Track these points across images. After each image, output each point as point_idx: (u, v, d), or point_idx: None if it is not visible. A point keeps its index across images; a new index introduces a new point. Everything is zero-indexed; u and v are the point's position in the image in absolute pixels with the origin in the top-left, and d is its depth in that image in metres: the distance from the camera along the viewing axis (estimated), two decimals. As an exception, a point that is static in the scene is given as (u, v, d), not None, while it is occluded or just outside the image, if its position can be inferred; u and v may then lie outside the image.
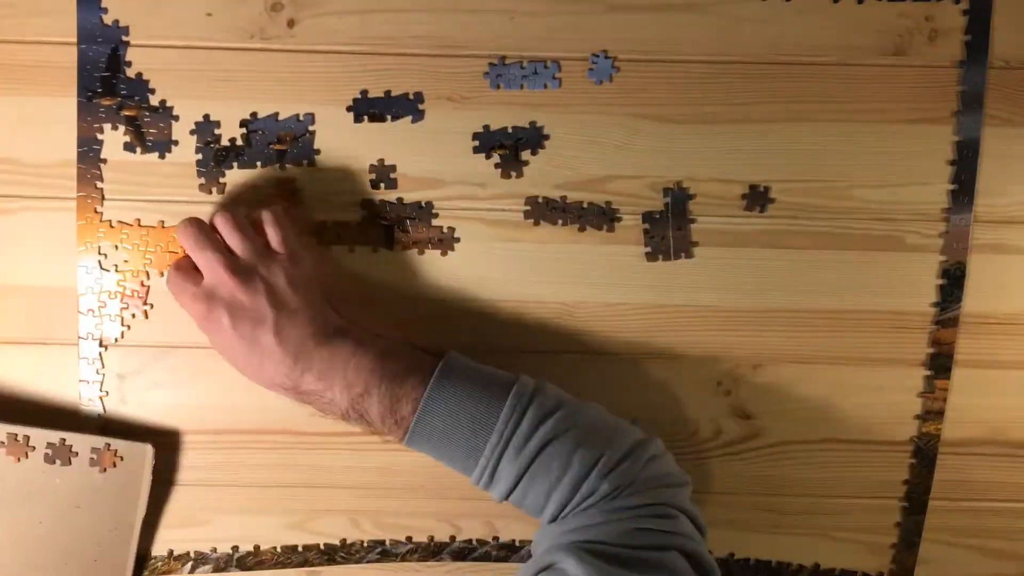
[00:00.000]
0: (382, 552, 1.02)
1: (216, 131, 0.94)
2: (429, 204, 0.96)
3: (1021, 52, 0.95)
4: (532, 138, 0.95)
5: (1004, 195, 0.97)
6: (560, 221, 0.96)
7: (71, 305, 0.95)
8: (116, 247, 0.95)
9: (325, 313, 0.86)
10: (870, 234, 0.97)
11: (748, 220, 0.97)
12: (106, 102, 0.93)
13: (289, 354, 0.82)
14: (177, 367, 0.97)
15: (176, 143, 0.94)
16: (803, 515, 1.02)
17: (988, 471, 1.01)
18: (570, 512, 0.81)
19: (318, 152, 0.95)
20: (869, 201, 0.96)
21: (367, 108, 0.94)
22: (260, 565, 1.02)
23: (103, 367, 0.96)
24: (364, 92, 0.94)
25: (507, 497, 0.83)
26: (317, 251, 0.94)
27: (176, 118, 0.94)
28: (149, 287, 0.95)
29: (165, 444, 0.98)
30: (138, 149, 0.94)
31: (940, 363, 0.99)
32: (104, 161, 0.94)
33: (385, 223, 0.96)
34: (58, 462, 0.91)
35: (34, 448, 0.91)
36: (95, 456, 0.92)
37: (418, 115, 0.95)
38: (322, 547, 1.02)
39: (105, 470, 0.92)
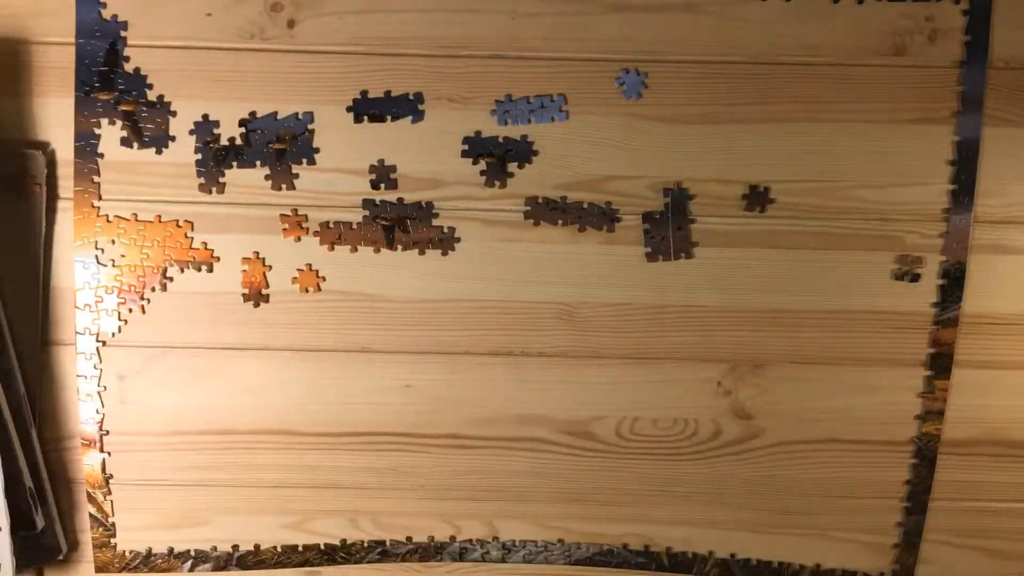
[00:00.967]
0: (382, 552, 1.02)
1: (215, 131, 0.94)
2: (429, 204, 0.96)
3: (1021, 52, 0.95)
4: (521, 151, 0.95)
5: (1004, 195, 0.97)
6: (560, 221, 0.96)
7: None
8: (113, 242, 0.95)
9: None
10: (870, 234, 0.97)
11: (748, 220, 0.97)
12: (104, 97, 0.93)
13: None
14: (177, 368, 0.97)
15: (173, 139, 0.94)
16: (804, 515, 1.02)
17: (989, 471, 1.01)
18: None
19: (318, 151, 0.95)
20: (869, 201, 0.96)
21: (367, 108, 0.94)
22: (260, 564, 1.02)
23: (100, 362, 0.96)
24: (364, 92, 0.94)
25: None
26: None
27: (174, 113, 0.94)
28: (146, 282, 0.96)
29: (164, 444, 0.98)
30: (135, 144, 0.94)
31: (940, 363, 0.99)
32: (101, 156, 0.94)
33: (386, 223, 0.96)
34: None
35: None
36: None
37: (418, 115, 0.95)
38: (322, 547, 1.02)
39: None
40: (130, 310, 0.96)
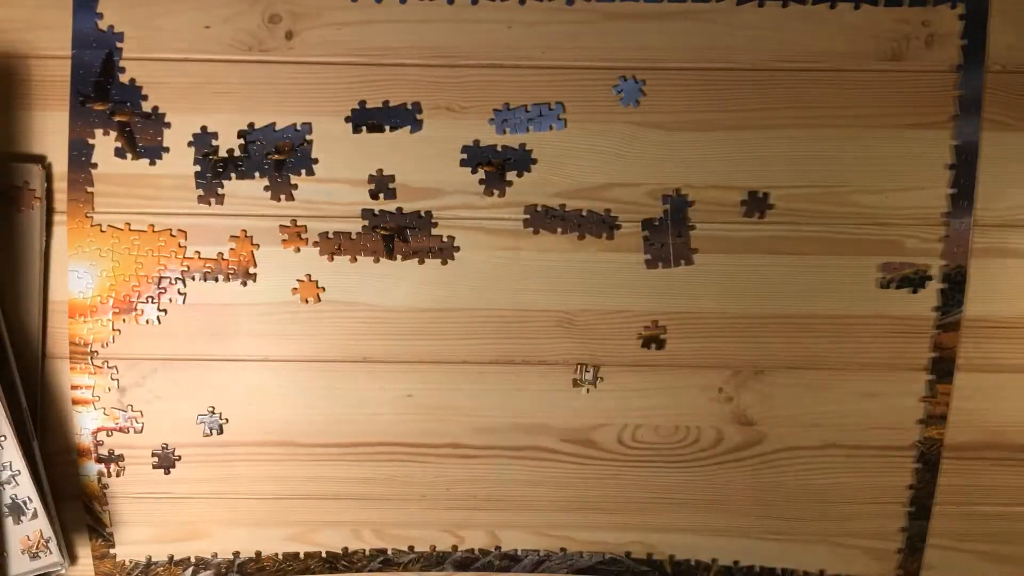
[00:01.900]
0: (384, 561, 1.02)
1: (214, 142, 0.94)
2: (428, 214, 0.96)
3: (1018, 56, 0.95)
4: (520, 159, 0.95)
5: (1004, 198, 0.97)
6: (560, 229, 0.96)
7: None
8: (106, 252, 0.95)
9: None
10: (870, 239, 0.97)
11: (748, 226, 0.97)
12: (98, 107, 0.93)
13: None
14: (178, 380, 0.97)
15: (167, 150, 0.94)
16: (807, 521, 1.01)
17: (992, 475, 1.01)
18: None
19: (316, 162, 0.95)
20: (868, 206, 0.96)
21: (365, 118, 0.95)
22: (261, 572, 1.02)
23: (96, 374, 0.96)
24: (362, 103, 0.94)
25: None
26: None
27: (168, 125, 0.94)
28: (140, 291, 0.96)
29: (165, 457, 0.98)
30: (129, 155, 0.94)
31: (942, 367, 0.98)
32: (95, 166, 0.94)
33: (385, 233, 0.96)
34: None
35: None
36: None
37: (416, 125, 0.95)
38: (324, 555, 1.02)
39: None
40: (124, 320, 0.96)
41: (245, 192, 0.95)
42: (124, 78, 0.93)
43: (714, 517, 1.01)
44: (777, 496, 1.01)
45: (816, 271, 0.97)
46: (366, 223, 0.96)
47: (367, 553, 1.02)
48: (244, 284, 0.96)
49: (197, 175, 0.95)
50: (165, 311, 0.96)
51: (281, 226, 0.96)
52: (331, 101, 0.94)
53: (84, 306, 0.95)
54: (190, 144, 0.94)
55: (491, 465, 1.00)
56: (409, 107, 0.95)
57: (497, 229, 0.96)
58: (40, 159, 0.94)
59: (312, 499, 1.00)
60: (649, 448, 1.00)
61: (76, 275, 0.95)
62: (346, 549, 1.02)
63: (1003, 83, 0.95)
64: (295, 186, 0.95)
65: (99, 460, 0.98)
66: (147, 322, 0.96)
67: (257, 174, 0.95)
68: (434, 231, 0.96)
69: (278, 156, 0.95)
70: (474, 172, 0.96)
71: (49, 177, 0.94)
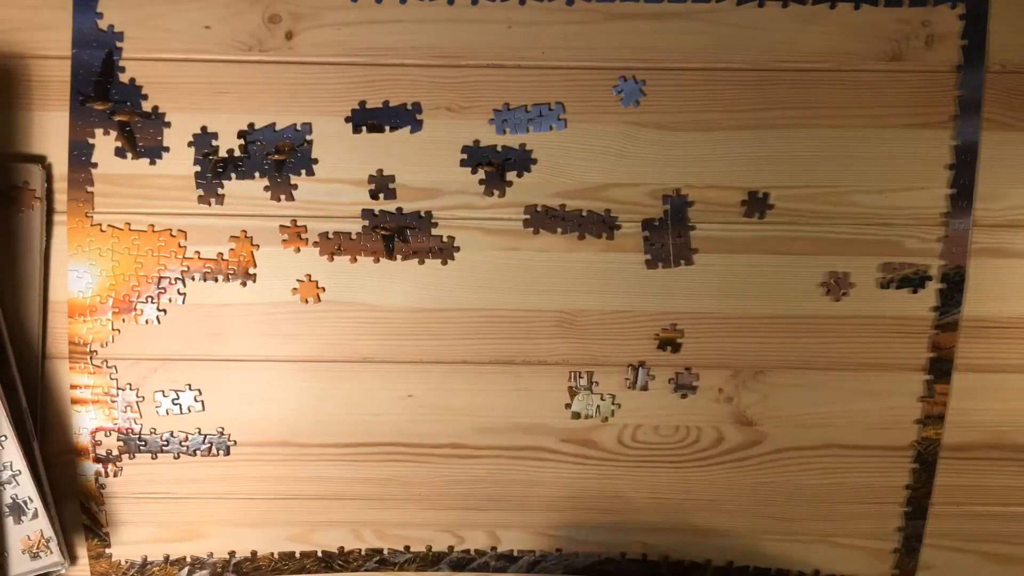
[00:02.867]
0: (380, 561, 1.02)
1: (214, 142, 0.94)
2: (428, 214, 0.96)
3: (1018, 56, 0.95)
4: (520, 160, 0.95)
5: (1003, 199, 0.97)
6: (559, 229, 0.96)
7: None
8: (106, 252, 0.95)
9: None
10: (870, 239, 0.97)
11: (748, 226, 0.97)
12: (99, 107, 0.93)
13: None
14: (177, 380, 0.97)
15: (167, 150, 0.94)
16: (804, 521, 1.02)
17: (989, 475, 1.01)
18: None
19: (316, 162, 0.95)
20: (868, 206, 0.96)
21: (365, 118, 0.95)
22: (257, 571, 1.02)
23: (96, 374, 0.96)
24: (362, 103, 0.94)
25: None
26: None
27: (168, 125, 0.94)
28: (139, 291, 0.96)
29: (165, 457, 0.98)
30: (129, 155, 0.94)
31: (940, 367, 0.99)
32: (95, 165, 0.94)
33: (385, 233, 0.96)
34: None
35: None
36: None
37: (416, 125, 0.95)
38: (320, 555, 1.02)
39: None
40: (123, 320, 0.96)
41: (245, 192, 0.95)
42: (124, 78, 0.93)
43: (712, 517, 1.01)
44: (775, 496, 1.01)
45: (815, 271, 0.97)
46: (366, 223, 0.96)
47: (363, 553, 1.02)
48: (244, 284, 0.96)
49: (197, 175, 0.94)
50: (165, 311, 0.96)
51: (281, 226, 0.95)
52: (331, 101, 0.94)
53: (84, 306, 0.95)
54: (190, 144, 0.94)
55: (491, 465, 1.00)
56: (409, 107, 0.94)
57: (497, 229, 0.96)
58: (40, 159, 0.94)
59: (312, 499, 1.00)
60: (649, 448, 1.00)
61: (76, 275, 0.95)
62: (342, 549, 1.02)
63: (1003, 83, 0.95)
64: (295, 186, 0.95)
65: (97, 460, 0.98)
66: (147, 322, 0.96)
67: (257, 174, 0.95)
68: (434, 231, 0.96)
69: (278, 156, 0.94)
70: (474, 172, 0.96)
71: (49, 177, 0.94)
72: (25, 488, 0.92)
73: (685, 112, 0.95)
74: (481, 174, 0.95)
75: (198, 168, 0.94)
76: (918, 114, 0.95)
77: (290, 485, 1.00)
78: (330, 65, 0.94)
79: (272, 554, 1.02)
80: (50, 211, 0.94)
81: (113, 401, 0.97)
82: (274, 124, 0.94)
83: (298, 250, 0.96)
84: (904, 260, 0.97)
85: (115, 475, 0.99)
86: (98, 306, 0.96)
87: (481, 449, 1.00)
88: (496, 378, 0.98)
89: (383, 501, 1.01)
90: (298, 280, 0.96)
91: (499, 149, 0.95)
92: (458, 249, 0.96)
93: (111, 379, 0.97)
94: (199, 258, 0.96)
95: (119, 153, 0.94)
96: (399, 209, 0.96)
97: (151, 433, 0.98)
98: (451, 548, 1.02)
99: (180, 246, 0.95)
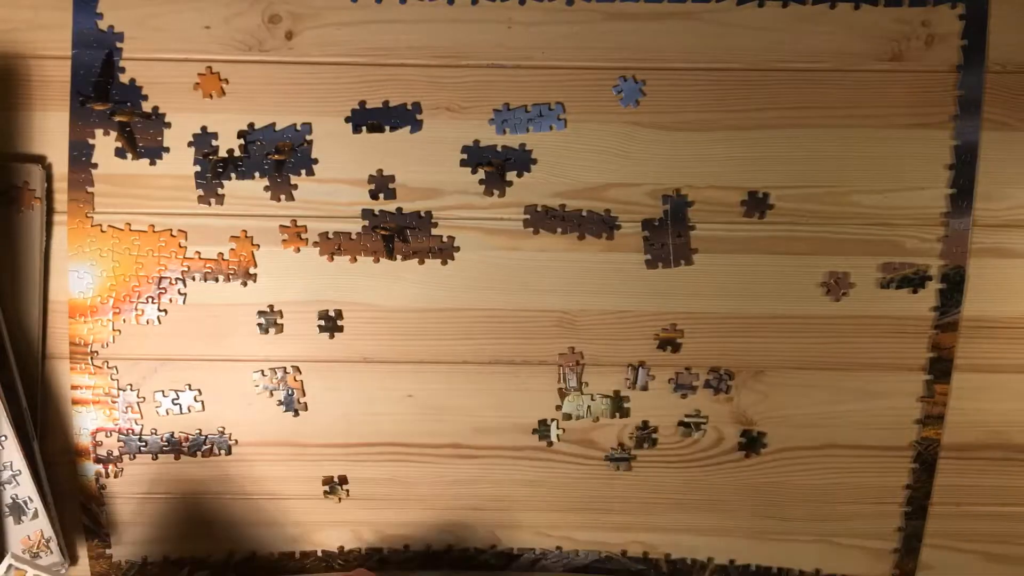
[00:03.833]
0: (380, 560, 1.02)
1: (214, 142, 0.94)
2: (428, 214, 0.96)
3: (1018, 56, 0.95)
4: (520, 160, 0.95)
5: (1003, 199, 0.97)
6: (559, 229, 0.96)
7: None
8: (106, 252, 0.95)
9: None
10: (869, 239, 0.97)
11: (747, 226, 0.97)
12: (99, 107, 0.93)
13: None
14: (175, 380, 0.97)
15: (167, 150, 0.94)
16: (804, 521, 1.02)
17: (989, 475, 1.01)
18: None
19: (316, 162, 0.95)
20: (868, 206, 0.96)
21: (365, 118, 0.94)
22: (257, 571, 1.02)
23: (96, 374, 0.97)
24: (362, 103, 0.94)
25: None
26: None
27: (168, 125, 0.94)
28: (140, 292, 0.96)
29: (165, 457, 0.98)
30: (129, 155, 0.94)
31: (940, 367, 0.99)
32: (95, 166, 0.94)
33: (385, 233, 0.96)
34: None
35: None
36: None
37: (416, 125, 0.95)
38: (320, 554, 1.02)
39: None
40: (124, 321, 0.96)
41: (245, 192, 0.95)
42: (124, 78, 0.93)
43: (713, 516, 1.01)
44: (775, 495, 1.01)
45: (815, 271, 0.97)
46: (366, 223, 0.96)
47: (363, 552, 1.02)
48: (244, 284, 0.96)
49: (197, 175, 0.94)
50: (165, 311, 0.96)
51: (281, 226, 0.95)
52: (331, 101, 0.94)
53: (84, 306, 0.95)
54: (190, 144, 0.94)
55: (491, 465, 1.00)
56: (409, 107, 0.94)
57: (497, 229, 0.96)
58: (40, 159, 0.94)
59: (312, 499, 1.00)
60: (650, 448, 1.00)
61: (76, 275, 0.95)
62: (342, 548, 1.02)
63: (1003, 83, 0.95)
64: (295, 186, 0.95)
65: (98, 460, 0.98)
66: (147, 322, 0.96)
67: (257, 174, 0.95)
68: (434, 231, 0.96)
69: (278, 156, 0.94)
70: (474, 172, 0.95)
71: (49, 177, 0.94)
72: (25, 488, 0.92)
73: (685, 112, 0.95)
74: (481, 174, 0.95)
75: (198, 168, 0.94)
76: (918, 114, 0.95)
77: (289, 485, 1.00)
78: (330, 65, 0.93)
79: (272, 554, 1.02)
80: (50, 211, 0.94)
81: (114, 402, 0.97)
82: (274, 124, 0.94)
83: (298, 250, 0.96)
84: (904, 260, 0.97)
85: (116, 476, 0.99)
86: (99, 306, 0.96)
87: (481, 449, 1.00)
88: (496, 378, 0.98)
89: (383, 501, 1.01)
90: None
91: (499, 149, 0.95)
92: (458, 249, 0.96)
93: (112, 379, 0.97)
94: (199, 258, 0.96)
95: (119, 153, 0.94)
96: (399, 209, 0.96)
97: (151, 433, 0.98)
98: (450, 547, 1.02)
99: (180, 246, 0.95)
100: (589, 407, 0.99)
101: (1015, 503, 1.02)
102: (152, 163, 0.94)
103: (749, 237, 0.97)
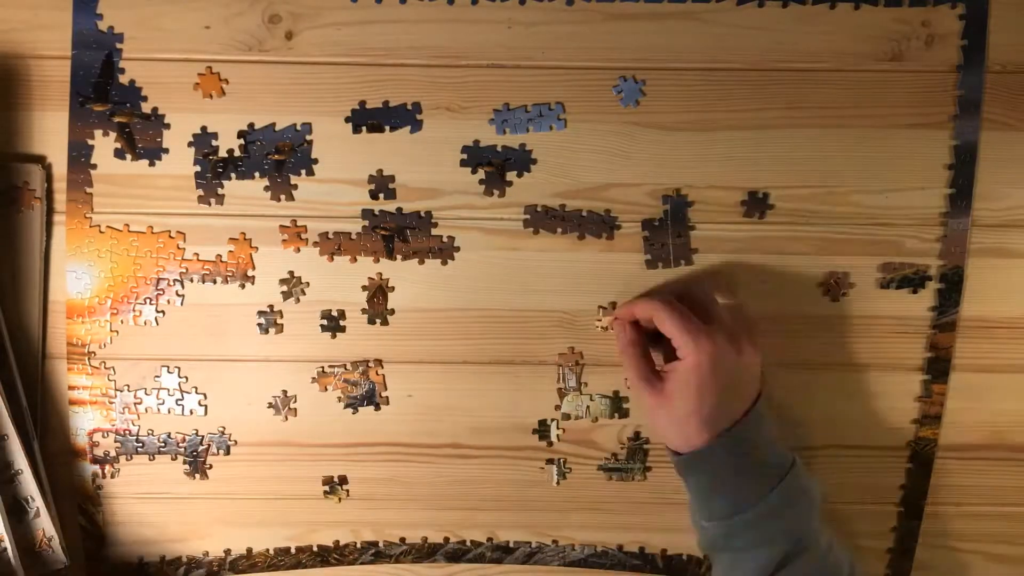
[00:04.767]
0: (376, 554, 1.03)
1: (214, 142, 0.94)
2: (428, 214, 0.96)
3: (1018, 56, 0.95)
4: (520, 160, 0.95)
5: (1002, 199, 0.97)
6: (559, 229, 0.96)
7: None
8: (105, 253, 0.95)
9: None
10: (869, 239, 0.97)
11: (747, 226, 0.97)
12: (98, 108, 0.93)
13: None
14: (176, 380, 0.97)
15: (167, 150, 0.94)
16: (803, 520, 1.02)
17: (986, 475, 1.01)
18: None
19: (316, 162, 0.95)
20: (868, 206, 0.96)
21: (365, 118, 0.94)
22: (253, 568, 1.02)
23: (93, 374, 0.97)
24: (362, 103, 0.94)
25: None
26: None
27: (167, 126, 0.94)
28: (138, 293, 0.96)
29: (163, 457, 0.99)
30: (128, 156, 0.94)
31: (938, 367, 0.99)
32: (94, 167, 0.94)
33: (385, 233, 0.96)
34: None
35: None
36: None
37: (416, 125, 0.95)
38: (315, 549, 1.02)
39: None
40: (121, 321, 0.96)
41: (245, 192, 0.95)
42: (124, 79, 0.93)
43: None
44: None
45: (814, 271, 0.97)
46: (366, 223, 0.96)
47: (358, 546, 1.03)
48: (242, 287, 0.96)
49: (197, 175, 0.94)
50: (163, 312, 0.96)
51: (281, 226, 0.95)
52: (331, 101, 0.94)
53: (82, 307, 0.95)
54: (190, 144, 0.94)
55: (490, 465, 1.00)
56: (409, 107, 0.94)
57: (497, 229, 0.96)
58: (40, 159, 0.94)
59: (312, 499, 1.01)
60: (650, 448, 1.00)
61: (74, 276, 0.95)
62: (337, 543, 1.02)
63: (1003, 83, 0.95)
64: (295, 186, 0.95)
65: (94, 461, 0.99)
66: (145, 323, 0.96)
67: (257, 174, 0.95)
68: (434, 231, 0.96)
69: (278, 156, 0.94)
70: (474, 172, 0.95)
71: (49, 177, 0.94)
72: (26, 487, 0.93)
73: (685, 112, 0.95)
74: (481, 174, 0.95)
75: (198, 168, 0.94)
76: (918, 114, 0.95)
77: (289, 485, 1.00)
78: (330, 65, 0.93)
79: (267, 550, 1.02)
80: (50, 211, 0.94)
81: (111, 402, 0.97)
82: (274, 124, 0.94)
83: (298, 250, 0.96)
84: (904, 260, 0.97)
85: (112, 476, 0.99)
86: (96, 307, 0.96)
87: (481, 449, 1.00)
88: (496, 378, 0.98)
89: (383, 501, 1.01)
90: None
91: (499, 149, 0.95)
92: (458, 249, 0.96)
93: (109, 380, 0.97)
94: (198, 260, 0.95)
95: (118, 154, 0.94)
96: (399, 209, 0.96)
97: (149, 434, 0.98)
98: (446, 540, 1.02)
99: (179, 248, 0.95)
100: (588, 407, 0.99)
101: (1013, 503, 1.02)
102: (151, 164, 0.94)
103: (749, 237, 0.97)
